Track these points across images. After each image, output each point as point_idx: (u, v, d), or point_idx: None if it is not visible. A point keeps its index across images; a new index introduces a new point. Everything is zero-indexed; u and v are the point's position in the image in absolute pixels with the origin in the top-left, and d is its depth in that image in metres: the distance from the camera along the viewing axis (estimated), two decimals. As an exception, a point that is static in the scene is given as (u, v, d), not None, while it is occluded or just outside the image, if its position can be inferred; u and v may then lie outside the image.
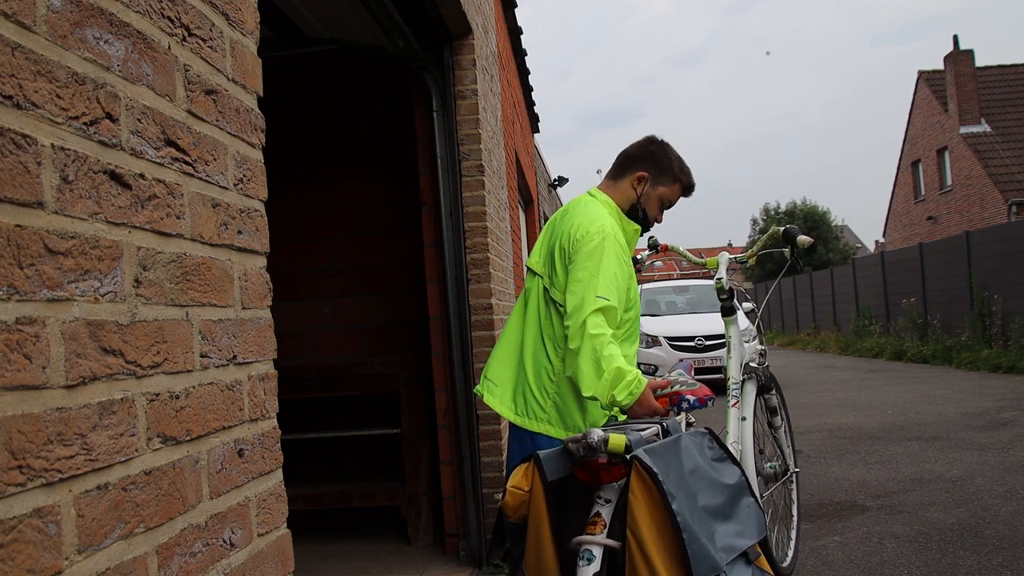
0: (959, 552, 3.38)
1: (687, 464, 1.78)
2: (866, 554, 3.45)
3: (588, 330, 2.05)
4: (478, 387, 2.43)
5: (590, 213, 2.27)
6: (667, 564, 1.68)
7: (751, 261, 3.03)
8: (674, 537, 1.69)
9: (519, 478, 1.89)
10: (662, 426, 1.93)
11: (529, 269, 2.41)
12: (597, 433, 1.80)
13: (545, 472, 1.86)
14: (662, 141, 2.42)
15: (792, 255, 2.88)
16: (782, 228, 2.83)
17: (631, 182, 2.36)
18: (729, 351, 2.77)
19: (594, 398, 2.07)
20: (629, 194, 2.36)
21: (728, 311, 2.79)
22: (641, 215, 2.37)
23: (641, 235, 2.44)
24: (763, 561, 1.87)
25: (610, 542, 1.79)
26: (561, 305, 2.20)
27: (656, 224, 2.45)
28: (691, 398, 2.11)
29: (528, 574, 1.88)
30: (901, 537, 3.64)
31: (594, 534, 1.81)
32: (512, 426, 2.35)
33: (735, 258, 2.96)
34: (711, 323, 9.58)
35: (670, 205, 2.43)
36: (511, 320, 2.40)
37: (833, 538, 3.70)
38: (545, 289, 2.31)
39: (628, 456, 1.75)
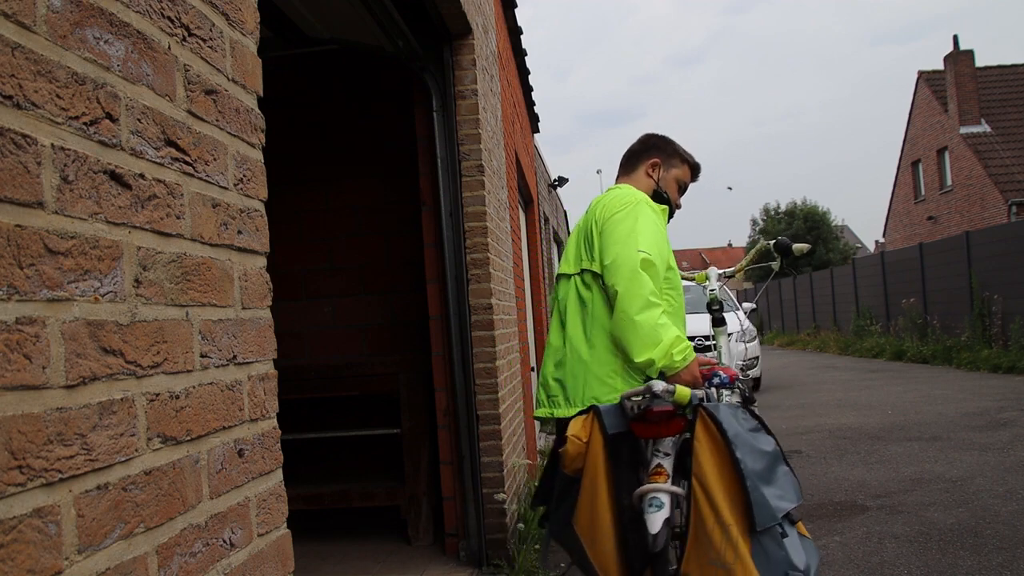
0: (959, 552, 3.38)
1: (729, 430, 1.86)
2: (866, 554, 3.45)
3: (639, 289, 2.05)
4: (540, 410, 2.34)
5: (620, 191, 2.32)
6: (731, 509, 1.76)
7: (739, 275, 3.09)
8: (737, 484, 1.78)
9: (577, 428, 1.91)
10: (704, 396, 1.98)
11: (560, 277, 2.40)
12: (661, 384, 1.88)
13: (605, 424, 1.89)
14: (660, 133, 2.55)
15: (782, 266, 2.94)
16: (771, 242, 2.87)
17: (645, 171, 2.44)
18: (719, 359, 2.79)
19: (648, 363, 2.07)
20: (648, 183, 2.43)
21: (719, 322, 2.82)
22: (666, 197, 2.45)
23: (669, 219, 2.49)
24: (802, 526, 1.92)
25: (677, 489, 1.89)
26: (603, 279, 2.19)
27: (678, 209, 2.52)
28: (723, 374, 2.25)
29: (579, 530, 1.88)
30: (901, 537, 3.64)
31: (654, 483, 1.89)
32: (560, 425, 2.29)
33: (724, 272, 3.00)
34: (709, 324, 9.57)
35: (685, 188, 2.52)
36: (551, 338, 2.37)
37: (833, 538, 3.70)
38: (586, 277, 2.26)
39: (693, 406, 1.86)
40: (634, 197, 2.25)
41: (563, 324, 2.32)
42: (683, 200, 2.58)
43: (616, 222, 2.17)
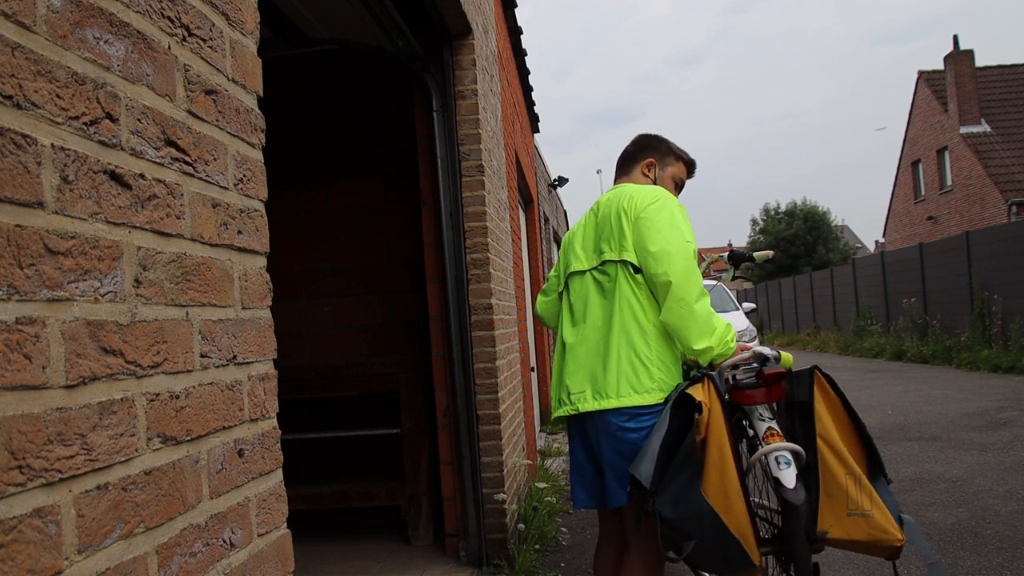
0: (959, 552, 3.38)
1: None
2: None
3: (694, 277, 2.09)
4: (561, 409, 2.28)
5: (638, 187, 2.29)
6: (857, 460, 1.93)
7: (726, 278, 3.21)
8: (855, 437, 1.96)
9: (702, 395, 1.94)
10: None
11: (572, 277, 2.36)
12: (767, 350, 2.01)
13: (720, 390, 1.95)
14: (652, 133, 2.56)
15: (733, 277, 3.14)
16: (725, 255, 3.04)
17: (642, 171, 2.45)
18: None
19: (706, 350, 2.10)
20: (645, 183, 2.42)
21: None
22: None
23: None
24: None
25: (797, 447, 1.99)
26: (636, 269, 2.17)
27: None
28: (773, 352, 2.33)
29: (712, 499, 1.89)
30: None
31: (773, 443, 2.00)
32: (573, 422, 2.28)
33: None
34: None
35: (682, 185, 2.53)
36: (566, 337, 2.33)
37: (833, 538, 3.70)
38: (608, 269, 2.22)
39: (809, 370, 2.03)
40: (660, 190, 2.25)
41: (583, 319, 2.27)
42: (682, 201, 2.57)
43: (655, 211, 2.16)
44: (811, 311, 20.30)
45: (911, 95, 22.26)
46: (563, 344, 2.35)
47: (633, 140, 2.55)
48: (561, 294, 2.45)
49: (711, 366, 2.12)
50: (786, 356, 2.00)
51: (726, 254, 3.01)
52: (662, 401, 2.10)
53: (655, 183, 2.42)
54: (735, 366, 2.02)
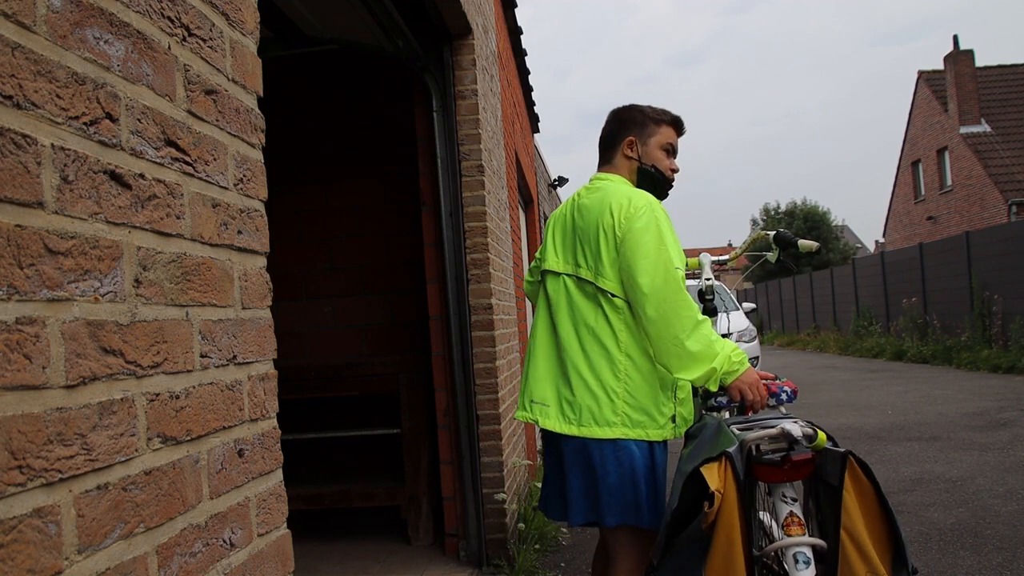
0: (959, 552, 3.38)
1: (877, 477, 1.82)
2: (866, 554, 3.45)
3: (686, 311, 1.97)
4: (523, 413, 2.22)
5: (621, 190, 2.14)
6: (882, 553, 1.74)
7: (732, 263, 2.99)
8: (885, 531, 1.75)
9: (716, 481, 1.74)
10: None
11: (546, 273, 2.25)
12: (797, 428, 1.79)
13: (737, 471, 1.74)
14: (625, 105, 2.36)
15: (778, 259, 2.79)
16: (772, 232, 2.74)
17: (623, 153, 2.27)
18: None
19: (709, 374, 1.99)
20: (629, 164, 2.27)
21: (710, 312, 2.70)
22: (655, 173, 2.26)
23: (663, 197, 2.31)
24: None
25: (820, 542, 1.80)
26: (613, 295, 2.07)
27: (675, 174, 2.33)
28: (788, 390, 2.15)
29: None
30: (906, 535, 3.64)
31: (793, 535, 1.80)
32: (547, 439, 2.23)
33: (717, 259, 2.88)
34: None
35: (674, 150, 2.32)
36: (539, 335, 2.25)
37: (833, 538, 3.70)
38: (583, 284, 2.13)
39: (842, 453, 1.78)
40: (646, 202, 2.09)
41: (556, 323, 2.18)
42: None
43: (639, 233, 2.01)
44: (811, 311, 20.30)
45: (911, 95, 22.27)
46: (534, 337, 2.26)
47: (608, 119, 2.35)
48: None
49: (723, 400, 2.04)
50: (821, 436, 1.81)
51: (773, 233, 2.72)
52: (625, 437, 2.04)
53: (641, 161, 2.26)
54: (770, 438, 1.82)
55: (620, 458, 2.06)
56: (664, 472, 2.14)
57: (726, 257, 2.98)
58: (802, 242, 2.68)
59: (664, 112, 2.31)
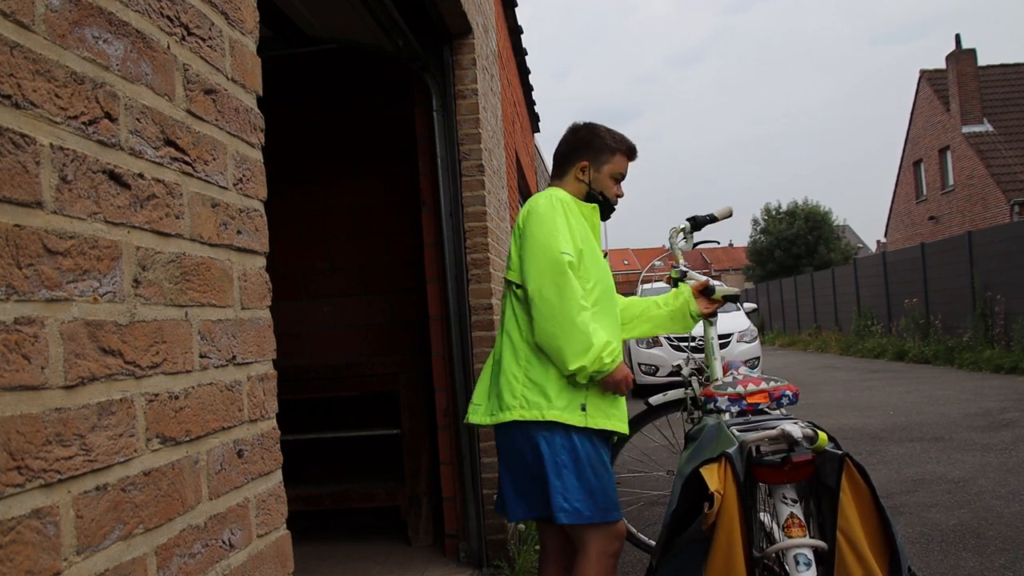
0: (961, 553, 3.37)
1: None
2: (867, 555, 3.44)
3: (570, 293, 2.03)
4: (467, 417, 2.32)
5: (534, 198, 2.26)
6: (877, 559, 1.74)
7: (681, 261, 2.97)
8: (881, 532, 1.75)
9: (716, 482, 1.75)
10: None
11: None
12: (797, 430, 1.80)
13: (737, 472, 1.75)
14: (585, 124, 2.41)
15: (694, 244, 2.99)
16: (686, 222, 2.92)
17: (575, 176, 2.33)
18: (713, 354, 2.71)
19: (580, 370, 2.04)
20: (579, 187, 2.33)
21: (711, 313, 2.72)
22: (601, 199, 2.34)
23: (606, 219, 2.40)
24: None
25: (820, 543, 1.80)
26: (518, 285, 2.16)
27: (619, 199, 2.41)
28: (789, 393, 2.20)
29: None
30: (903, 538, 3.64)
31: (794, 536, 1.81)
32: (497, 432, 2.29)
33: (655, 262, 3.03)
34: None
35: (622, 177, 2.39)
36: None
37: (834, 538, 3.69)
38: (509, 285, 2.25)
39: (839, 456, 1.79)
40: (547, 197, 2.19)
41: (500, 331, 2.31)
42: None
43: (535, 223, 2.12)
44: (812, 311, 20.29)
45: (912, 95, 22.26)
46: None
47: (566, 137, 2.40)
48: None
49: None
50: (822, 437, 1.82)
51: (687, 221, 2.88)
52: (522, 419, 2.09)
53: (590, 187, 2.32)
54: (769, 439, 1.83)
55: (529, 443, 2.11)
56: (595, 465, 2.11)
57: (659, 262, 3.09)
58: (718, 211, 2.89)
59: (621, 140, 2.36)
